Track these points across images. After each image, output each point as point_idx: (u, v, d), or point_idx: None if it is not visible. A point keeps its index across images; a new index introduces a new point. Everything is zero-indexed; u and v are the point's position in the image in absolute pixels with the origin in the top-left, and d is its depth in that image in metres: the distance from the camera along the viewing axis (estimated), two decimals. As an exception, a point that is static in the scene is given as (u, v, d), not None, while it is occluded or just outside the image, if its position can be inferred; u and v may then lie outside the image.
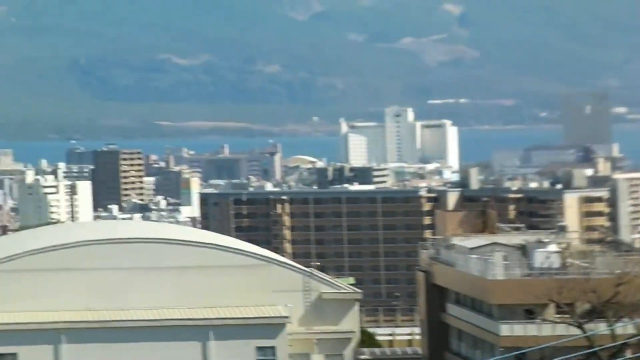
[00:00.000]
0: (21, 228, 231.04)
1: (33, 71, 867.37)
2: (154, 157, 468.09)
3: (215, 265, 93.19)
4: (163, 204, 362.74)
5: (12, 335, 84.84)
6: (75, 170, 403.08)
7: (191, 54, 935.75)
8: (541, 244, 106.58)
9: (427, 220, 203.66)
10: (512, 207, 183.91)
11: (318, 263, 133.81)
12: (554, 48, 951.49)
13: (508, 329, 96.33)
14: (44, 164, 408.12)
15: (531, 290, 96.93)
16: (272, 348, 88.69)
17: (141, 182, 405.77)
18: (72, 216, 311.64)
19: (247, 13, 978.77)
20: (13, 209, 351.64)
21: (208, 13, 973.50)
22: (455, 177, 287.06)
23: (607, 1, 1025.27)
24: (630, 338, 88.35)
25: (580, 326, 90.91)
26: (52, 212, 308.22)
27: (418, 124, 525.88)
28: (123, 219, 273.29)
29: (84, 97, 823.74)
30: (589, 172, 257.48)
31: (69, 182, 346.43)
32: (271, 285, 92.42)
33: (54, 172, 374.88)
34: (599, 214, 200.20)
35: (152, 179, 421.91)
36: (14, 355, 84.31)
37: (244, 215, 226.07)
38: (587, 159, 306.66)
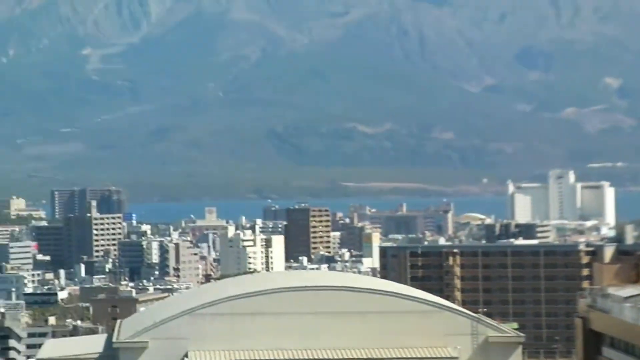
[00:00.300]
0: (222, 276, 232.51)
1: (236, 138, 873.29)
2: (339, 214, 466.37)
3: (393, 311, 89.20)
4: (347, 256, 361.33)
5: None
6: (271, 225, 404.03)
7: (375, 122, 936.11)
8: None
9: (585, 272, 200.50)
10: None
11: (485, 309, 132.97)
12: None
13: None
14: (243, 220, 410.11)
15: None
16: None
17: (328, 236, 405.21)
18: (267, 266, 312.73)
19: (425, 85, 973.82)
20: (215, 260, 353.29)
21: (390, 85, 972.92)
22: (611, 233, 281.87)
23: None
24: None
25: None
26: (250, 263, 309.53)
27: (578, 185, 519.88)
28: (311, 269, 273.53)
29: (279, 162, 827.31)
30: None
31: (265, 236, 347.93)
32: (443, 329, 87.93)
33: (252, 228, 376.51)
34: None
35: (337, 234, 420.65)
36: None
37: (419, 266, 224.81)
38: None
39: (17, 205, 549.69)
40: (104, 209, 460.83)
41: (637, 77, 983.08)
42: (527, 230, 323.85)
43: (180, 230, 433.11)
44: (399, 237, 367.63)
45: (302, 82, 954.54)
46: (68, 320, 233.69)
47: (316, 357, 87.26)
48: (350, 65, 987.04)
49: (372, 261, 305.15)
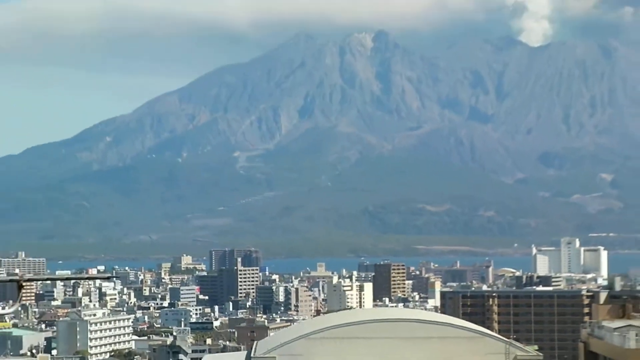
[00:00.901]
0: (328, 311, 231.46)
1: (340, 215, 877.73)
2: (412, 268, 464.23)
3: (449, 336, 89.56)
4: (417, 297, 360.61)
5: None
6: (363, 276, 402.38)
7: (438, 204, 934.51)
8: None
9: (586, 310, 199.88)
10: None
11: (514, 336, 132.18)
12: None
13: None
14: (344, 272, 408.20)
15: None
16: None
17: (404, 284, 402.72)
18: (360, 304, 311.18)
19: (474, 179, 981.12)
20: (324, 300, 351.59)
21: (450, 178, 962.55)
22: (604, 283, 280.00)
23: None
24: None
25: None
26: (348, 302, 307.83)
27: (582, 249, 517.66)
28: (391, 307, 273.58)
29: (370, 231, 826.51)
30: None
31: (359, 283, 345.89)
32: (484, 350, 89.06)
33: (350, 277, 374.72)
34: None
35: (410, 282, 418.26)
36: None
37: (468, 305, 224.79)
38: None
39: (186, 260, 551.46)
40: (246, 263, 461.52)
41: (624, 174, 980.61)
42: (545, 280, 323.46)
43: (299, 278, 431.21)
44: (454, 284, 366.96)
45: (387, 176, 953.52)
46: (220, 341, 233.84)
47: None
48: (421, 164, 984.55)
49: (435, 302, 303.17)
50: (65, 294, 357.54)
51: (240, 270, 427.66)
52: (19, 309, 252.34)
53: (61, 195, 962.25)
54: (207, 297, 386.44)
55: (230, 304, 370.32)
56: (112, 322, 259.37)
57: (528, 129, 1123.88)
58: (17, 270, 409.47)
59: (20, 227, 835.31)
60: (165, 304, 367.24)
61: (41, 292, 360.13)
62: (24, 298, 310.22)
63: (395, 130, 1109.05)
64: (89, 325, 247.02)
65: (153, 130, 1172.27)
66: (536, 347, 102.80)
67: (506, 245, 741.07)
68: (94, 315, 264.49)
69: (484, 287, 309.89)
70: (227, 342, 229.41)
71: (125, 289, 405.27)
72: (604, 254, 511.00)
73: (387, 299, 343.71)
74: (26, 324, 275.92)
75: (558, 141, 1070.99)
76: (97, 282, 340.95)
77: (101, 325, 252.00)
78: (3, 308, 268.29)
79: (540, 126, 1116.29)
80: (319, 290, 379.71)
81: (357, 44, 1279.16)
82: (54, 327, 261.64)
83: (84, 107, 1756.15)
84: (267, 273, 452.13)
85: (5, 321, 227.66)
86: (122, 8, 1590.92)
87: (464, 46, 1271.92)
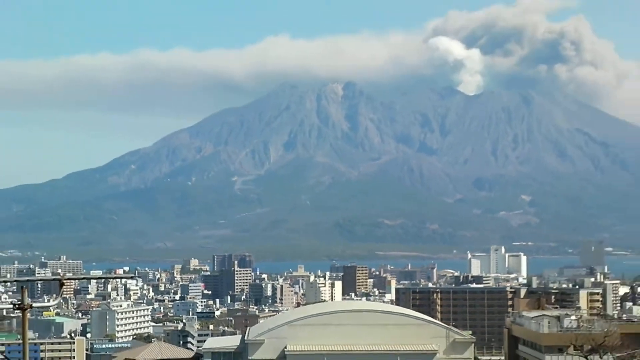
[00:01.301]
0: (307, 303, 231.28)
1: (317, 227, 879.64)
2: (373, 269, 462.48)
3: (401, 324, 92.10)
4: (377, 292, 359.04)
5: (306, 356, 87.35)
6: (334, 275, 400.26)
7: (394, 218, 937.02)
8: (567, 315, 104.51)
9: (509, 303, 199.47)
10: (553, 297, 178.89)
11: (453, 324, 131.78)
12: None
13: (549, 359, 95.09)
14: (319, 272, 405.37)
15: (561, 338, 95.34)
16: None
17: (366, 282, 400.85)
18: (332, 298, 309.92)
19: (422, 198, 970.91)
20: (303, 294, 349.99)
21: (403, 198, 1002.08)
22: (524, 281, 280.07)
23: None
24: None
25: (586, 358, 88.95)
26: (322, 296, 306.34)
27: (507, 255, 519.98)
28: (357, 300, 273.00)
29: (341, 240, 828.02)
30: (592, 279, 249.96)
31: (330, 281, 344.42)
32: (429, 334, 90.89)
33: (324, 276, 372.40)
34: (597, 301, 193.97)
35: (371, 280, 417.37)
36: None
37: (417, 299, 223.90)
38: (592, 273, 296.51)
39: (194, 263, 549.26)
40: (241, 265, 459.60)
41: (539, 195, 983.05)
42: (477, 279, 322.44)
43: (283, 277, 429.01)
44: (406, 282, 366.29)
45: (354, 197, 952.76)
46: (220, 327, 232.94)
47: (358, 349, 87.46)
48: (381, 187, 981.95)
49: (391, 296, 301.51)
50: (97, 289, 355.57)
51: (237, 271, 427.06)
52: (61, 301, 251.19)
53: (95, 211, 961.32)
54: (210, 292, 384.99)
55: (229, 297, 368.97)
56: (135, 312, 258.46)
57: (465, 159, 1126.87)
58: (59, 271, 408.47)
59: (63, 236, 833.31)
60: (177, 297, 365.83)
61: (79, 287, 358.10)
62: (65, 293, 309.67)
63: (360, 160, 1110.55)
64: (116, 314, 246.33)
65: (168, 159, 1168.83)
66: (470, 332, 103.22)
67: (447, 251, 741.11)
68: (120, 306, 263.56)
69: (430, 285, 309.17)
70: (226, 328, 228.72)
71: (145, 285, 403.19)
72: (523, 259, 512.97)
73: (353, 294, 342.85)
74: (66, 313, 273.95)
75: (488, 169, 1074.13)
76: (123, 280, 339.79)
77: (126, 314, 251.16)
78: (49, 300, 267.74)
79: (474, 158, 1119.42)
80: (299, 286, 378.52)
81: (331, 92, 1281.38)
82: (89, 316, 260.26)
83: (114, 141, 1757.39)
84: (258, 273, 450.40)
85: (50, 311, 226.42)
86: (144, 62, 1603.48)
87: (415, 94, 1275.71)
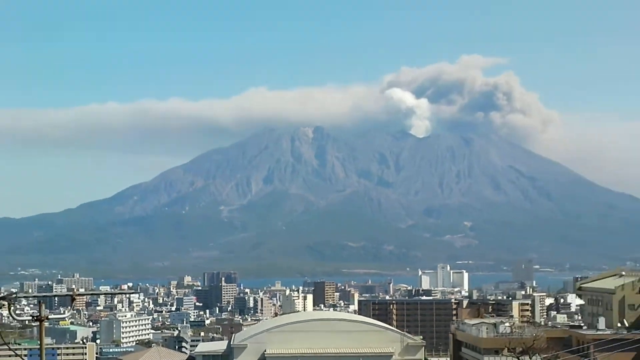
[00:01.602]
0: (283, 314, 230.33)
1: (291, 248, 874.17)
2: (339, 284, 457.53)
3: (363, 330, 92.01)
4: (342, 304, 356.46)
5: (283, 358, 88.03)
6: (306, 290, 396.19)
7: (357, 241, 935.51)
8: (502, 322, 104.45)
9: (454, 312, 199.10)
10: (490, 307, 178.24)
11: (407, 330, 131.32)
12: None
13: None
14: (293, 287, 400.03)
15: (497, 342, 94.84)
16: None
17: (334, 295, 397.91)
18: (304, 309, 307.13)
19: (380, 224, 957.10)
20: (280, 305, 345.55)
21: (365, 225, 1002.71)
22: (466, 294, 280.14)
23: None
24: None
25: (518, 358, 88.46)
26: (296, 307, 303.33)
27: (451, 271, 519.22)
28: (325, 310, 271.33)
29: (311, 260, 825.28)
30: (523, 292, 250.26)
31: (303, 294, 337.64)
32: (387, 339, 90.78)
33: (298, 290, 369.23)
34: (527, 310, 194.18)
35: (338, 294, 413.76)
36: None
37: (377, 309, 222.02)
38: (523, 287, 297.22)
39: (187, 279, 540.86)
40: (228, 281, 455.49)
41: (479, 222, 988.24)
42: (427, 292, 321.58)
43: (264, 291, 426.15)
44: (367, 295, 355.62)
45: (323, 223, 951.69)
46: (210, 334, 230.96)
47: (327, 352, 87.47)
48: (346, 215, 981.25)
49: (354, 307, 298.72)
50: (106, 302, 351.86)
51: (224, 286, 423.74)
52: (74, 312, 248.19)
53: (104, 235, 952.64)
54: (201, 304, 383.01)
55: (217, 308, 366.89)
56: (137, 321, 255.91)
57: (416, 191, 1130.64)
58: (73, 287, 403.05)
59: (76, 257, 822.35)
60: (173, 308, 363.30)
61: (90, 300, 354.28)
62: (77, 305, 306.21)
63: (328, 192, 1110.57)
64: (121, 323, 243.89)
65: (166, 191, 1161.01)
66: (421, 337, 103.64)
67: (402, 269, 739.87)
68: (125, 316, 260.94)
69: (387, 297, 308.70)
70: (215, 335, 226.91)
71: (146, 298, 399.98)
72: (465, 275, 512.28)
73: (322, 305, 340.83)
74: (79, 322, 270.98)
75: (435, 200, 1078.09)
76: (127, 294, 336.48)
77: (130, 323, 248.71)
78: (64, 312, 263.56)
79: (423, 190, 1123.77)
80: (276, 299, 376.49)
81: (303, 135, 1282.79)
82: (98, 324, 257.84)
83: (119, 176, 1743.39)
84: (242, 288, 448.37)
85: (65, 320, 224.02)
86: (146, 110, 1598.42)
87: (374, 136, 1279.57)
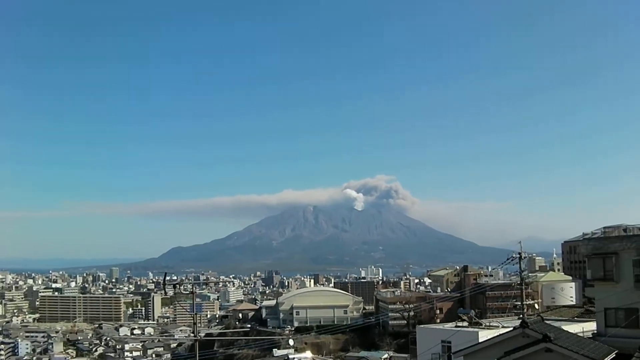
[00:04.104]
0: (299, 288, 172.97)
1: (299, 260, 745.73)
2: (325, 275, 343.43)
3: (335, 295, 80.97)
4: (326, 284, 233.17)
5: (300, 308, 67.64)
6: (311, 278, 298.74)
7: (338, 257, 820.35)
8: (396, 290, 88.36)
9: (376, 286, 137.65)
10: (391, 284, 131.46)
11: (355, 294, 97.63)
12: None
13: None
14: (305, 277, 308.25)
15: (394, 299, 75.93)
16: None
17: (323, 280, 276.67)
18: (310, 286, 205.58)
19: (349, 249, 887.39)
20: (298, 285, 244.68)
21: (338, 251, 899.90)
22: (381, 279, 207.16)
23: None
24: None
25: (403, 305, 69.41)
26: (305, 285, 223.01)
27: (374, 269, 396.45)
28: (320, 286, 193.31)
29: (312, 265, 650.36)
30: (405, 278, 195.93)
31: (310, 279, 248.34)
32: (346, 299, 78.85)
33: (307, 278, 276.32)
34: (407, 285, 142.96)
35: (324, 279, 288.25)
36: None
37: (341, 286, 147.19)
38: (405, 275, 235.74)
39: (260, 274, 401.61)
40: (276, 273, 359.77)
41: (386, 246, 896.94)
42: (364, 279, 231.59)
43: (291, 279, 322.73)
44: (338, 280, 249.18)
45: (319, 247, 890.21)
46: (268, 297, 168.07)
47: (319, 305, 77.41)
48: (327, 245, 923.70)
49: (332, 285, 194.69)
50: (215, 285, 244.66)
51: (274, 276, 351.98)
52: (210, 287, 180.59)
53: (227, 252, 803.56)
54: (264, 284, 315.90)
55: (272, 285, 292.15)
56: (234, 291, 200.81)
57: (358, 234, 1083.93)
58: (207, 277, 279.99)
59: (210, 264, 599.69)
60: (254, 285, 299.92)
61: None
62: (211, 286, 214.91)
63: (320, 234, 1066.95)
64: (230, 293, 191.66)
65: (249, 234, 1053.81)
66: (361, 298, 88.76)
67: (355, 268, 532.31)
68: (231, 290, 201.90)
69: (346, 280, 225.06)
70: (270, 297, 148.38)
71: (242, 283, 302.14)
72: (380, 270, 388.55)
73: (318, 284, 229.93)
74: (210, 293, 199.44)
75: (367, 237, 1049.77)
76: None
77: (233, 293, 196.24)
78: (202, 288, 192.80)
79: (361, 233, 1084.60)
80: (297, 282, 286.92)
81: (308, 210, 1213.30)
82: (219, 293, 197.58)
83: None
84: (281, 277, 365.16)
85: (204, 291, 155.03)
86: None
87: (339, 210, 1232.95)
